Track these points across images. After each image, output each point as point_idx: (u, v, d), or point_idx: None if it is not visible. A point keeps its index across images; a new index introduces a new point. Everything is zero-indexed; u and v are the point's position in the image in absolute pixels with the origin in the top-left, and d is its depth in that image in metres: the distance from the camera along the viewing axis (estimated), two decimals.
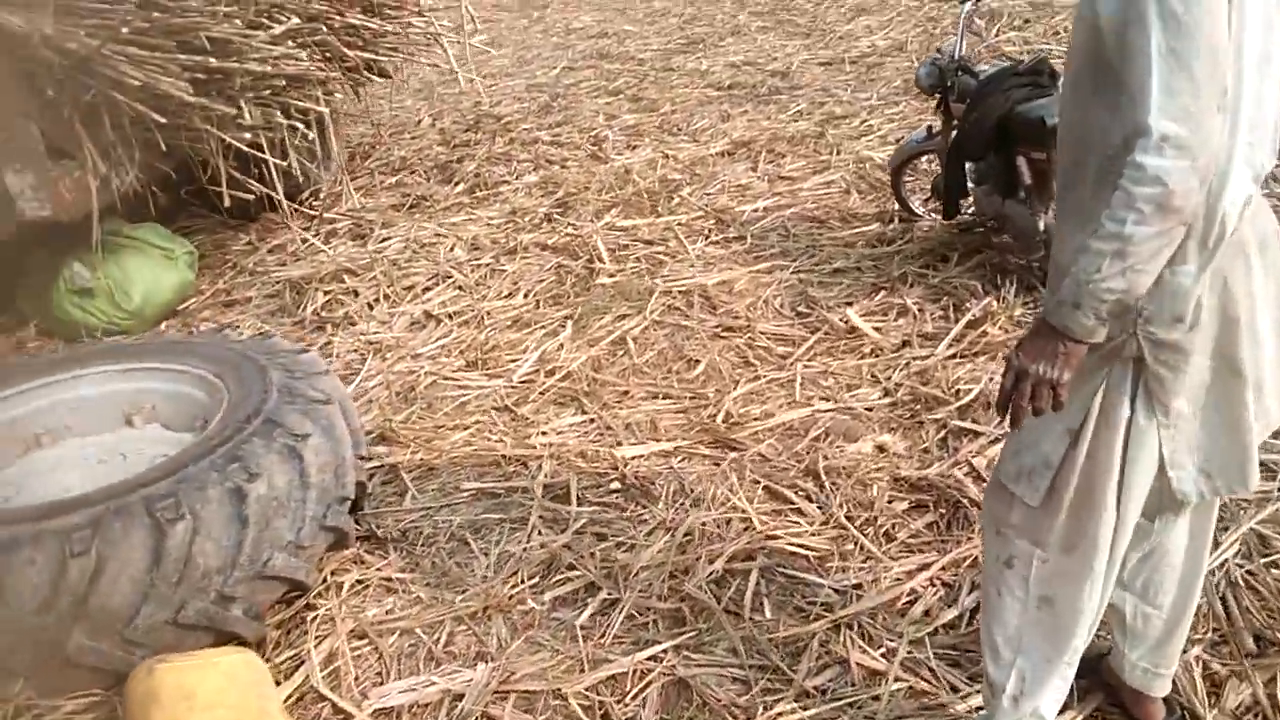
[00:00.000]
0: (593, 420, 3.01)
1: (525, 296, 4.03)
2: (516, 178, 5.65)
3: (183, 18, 3.41)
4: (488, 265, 4.34)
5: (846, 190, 4.77)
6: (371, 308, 4.01)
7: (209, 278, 4.64)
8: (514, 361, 3.42)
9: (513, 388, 3.26)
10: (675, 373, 3.26)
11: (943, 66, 3.75)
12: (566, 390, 3.21)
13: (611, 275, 4.08)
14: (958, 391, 2.99)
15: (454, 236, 4.71)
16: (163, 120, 3.59)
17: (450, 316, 3.89)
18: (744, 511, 2.56)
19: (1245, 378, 1.47)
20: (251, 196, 4.26)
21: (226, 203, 4.16)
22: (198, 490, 2.10)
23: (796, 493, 2.64)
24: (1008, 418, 1.44)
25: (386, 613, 2.36)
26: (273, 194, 4.28)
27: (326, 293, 4.14)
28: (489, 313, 3.88)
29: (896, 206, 4.33)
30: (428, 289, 4.15)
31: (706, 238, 4.44)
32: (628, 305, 3.75)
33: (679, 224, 4.61)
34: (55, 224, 3.69)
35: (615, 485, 2.72)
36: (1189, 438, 1.50)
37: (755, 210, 4.71)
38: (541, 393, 3.21)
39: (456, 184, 5.69)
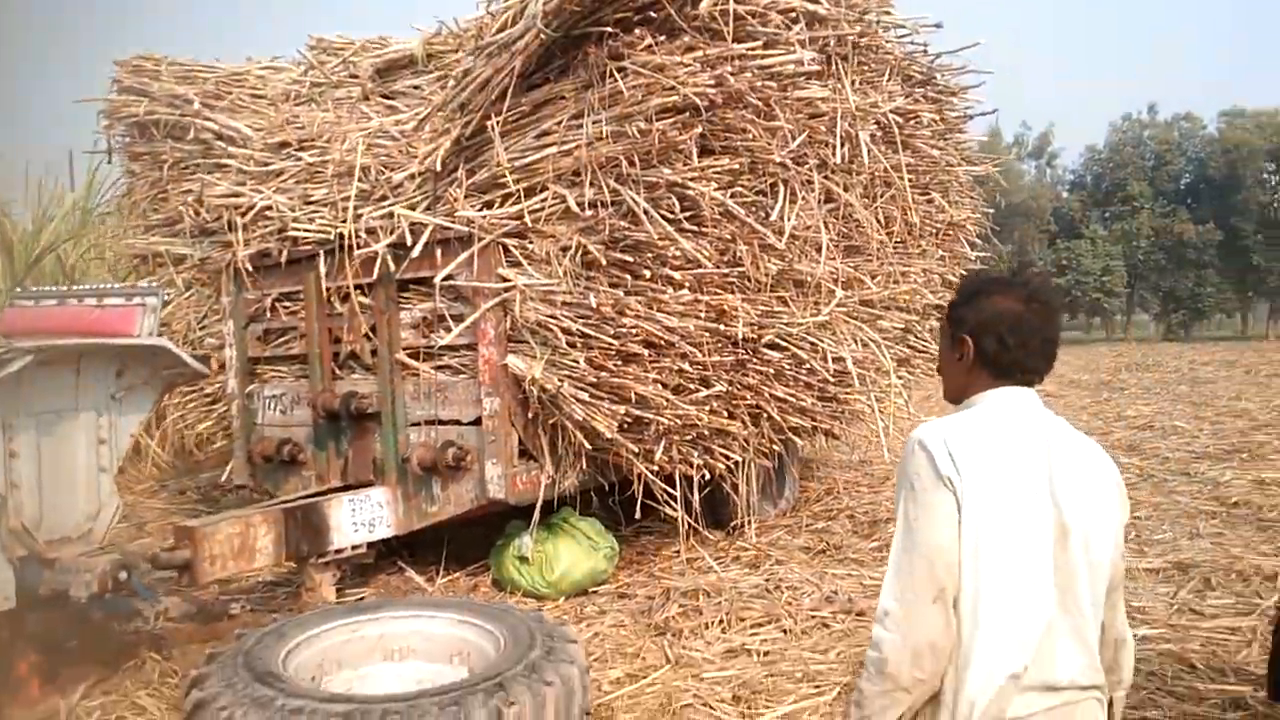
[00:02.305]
0: None
1: (835, 656, 4.28)
2: None
3: (619, 377, 4.64)
4: (823, 618, 4.68)
5: (1249, 642, 4.18)
6: (707, 628, 4.61)
7: (628, 570, 5.67)
8: (768, 707, 3.72)
9: None
10: None
11: None
12: None
13: None
14: None
15: (820, 587, 5.13)
16: (590, 447, 4.83)
17: (760, 654, 4.30)
18: None
19: None
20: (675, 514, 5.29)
21: (637, 515, 5.21)
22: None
23: None
24: None
25: None
26: (681, 516, 5.25)
27: (681, 606, 4.85)
28: (793, 659, 4.22)
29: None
30: (758, 624, 4.63)
31: None
32: None
33: None
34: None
35: None
36: None
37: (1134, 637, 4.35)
38: None
39: (872, 541, 6.11)
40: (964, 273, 7.34)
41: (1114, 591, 1.78)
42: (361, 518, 5.12)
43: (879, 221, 6.17)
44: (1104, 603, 1.73)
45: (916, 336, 7.02)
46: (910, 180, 6.33)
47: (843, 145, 5.48)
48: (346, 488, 5.35)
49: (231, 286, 5.93)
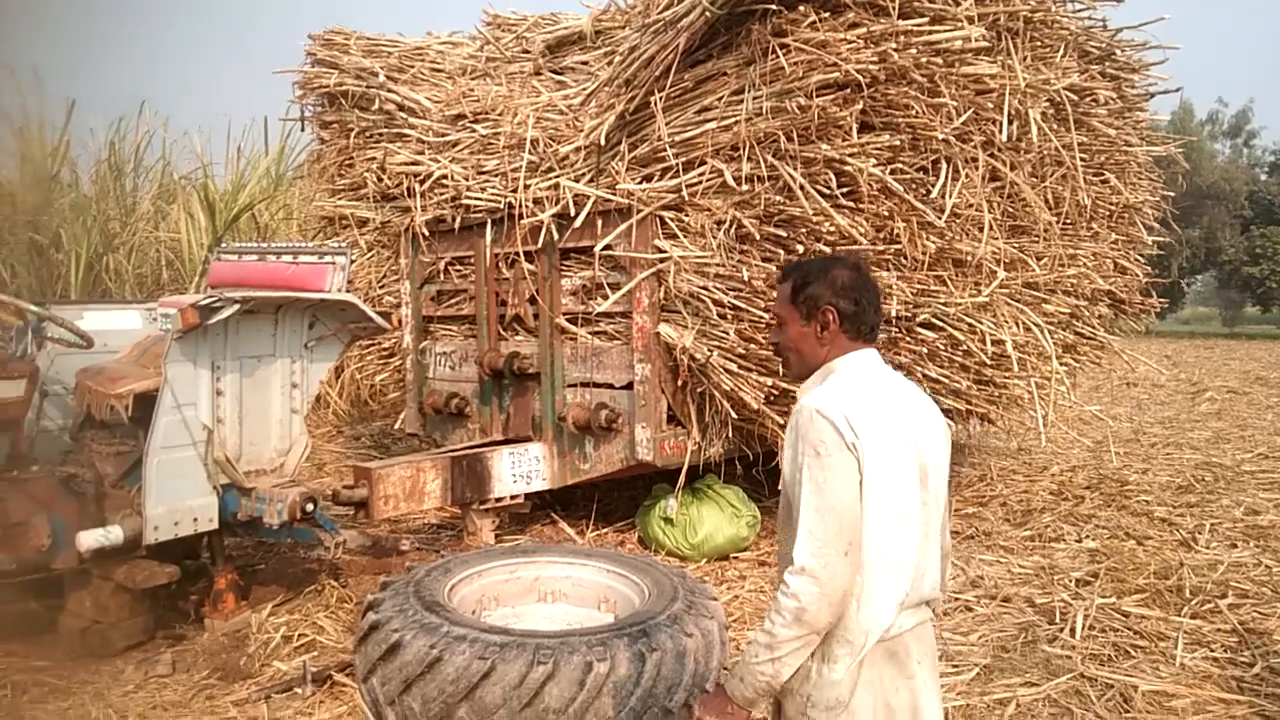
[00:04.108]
0: None
1: (977, 639, 4.27)
2: (1078, 540, 5.73)
3: (768, 349, 4.73)
4: (967, 601, 4.67)
5: None
6: None
7: (769, 539, 5.77)
8: None
9: None
10: None
11: None
12: None
13: (1068, 649, 4.09)
14: None
15: (965, 571, 5.10)
16: (736, 417, 4.95)
17: None
18: None
19: None
20: None
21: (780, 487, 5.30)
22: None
23: None
24: None
25: None
26: None
27: None
28: (939, 638, 4.23)
29: None
30: None
31: (1209, 650, 4.10)
32: (1041, 674, 3.78)
33: (1191, 628, 4.31)
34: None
35: None
36: None
37: None
38: None
39: (1024, 529, 5.99)
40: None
41: (943, 514, 2.06)
42: (520, 470, 5.43)
43: (1047, 202, 5.98)
44: None
45: (1084, 322, 6.77)
46: (1083, 160, 6.09)
47: (1011, 123, 5.33)
48: (507, 441, 5.68)
49: (409, 249, 6.35)
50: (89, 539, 3.89)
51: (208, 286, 5.06)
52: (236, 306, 3.97)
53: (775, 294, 2.12)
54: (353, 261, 6.71)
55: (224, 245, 5.33)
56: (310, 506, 4.19)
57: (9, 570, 3.84)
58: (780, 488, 1.99)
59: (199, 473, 4.08)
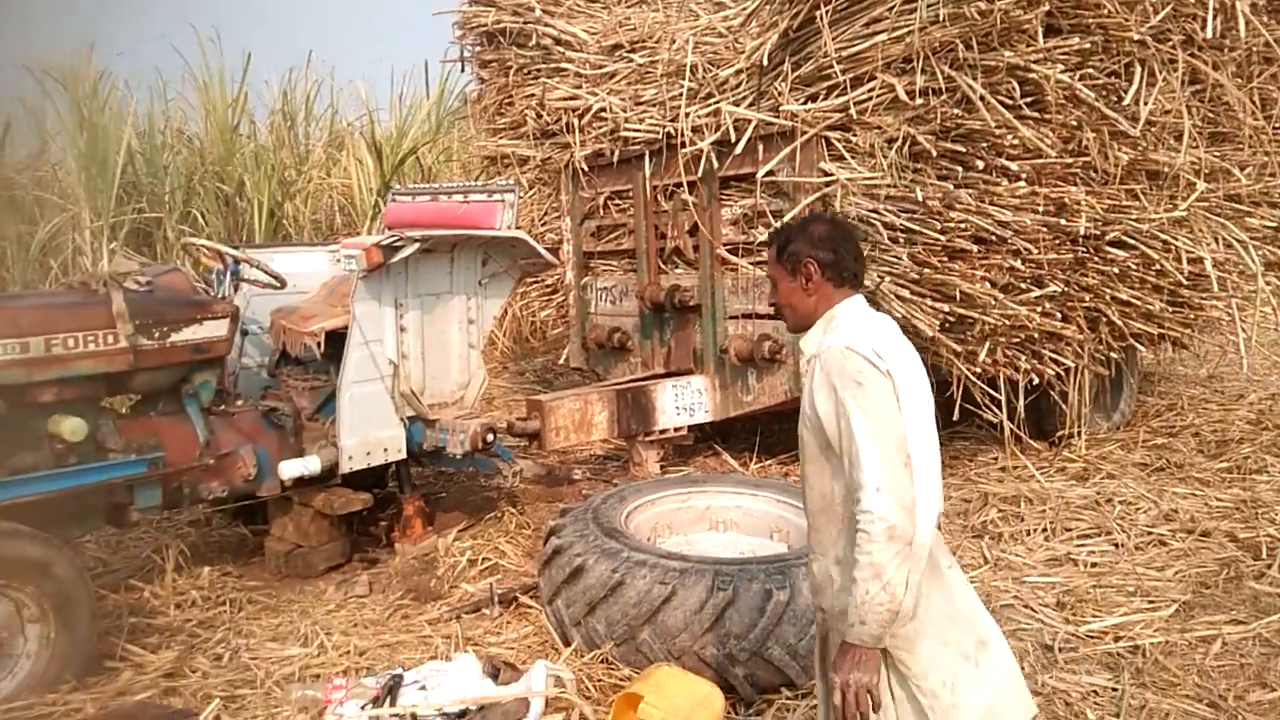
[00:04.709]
0: None
1: (1173, 574, 4.04)
2: None
3: (943, 274, 4.54)
4: (1160, 535, 4.41)
5: None
6: (1028, 534, 4.50)
7: (945, 472, 5.61)
8: (1095, 616, 3.62)
9: (1072, 637, 3.49)
10: (1238, 695, 3.08)
11: None
12: (1113, 659, 3.32)
13: (1278, 586, 3.81)
14: None
15: (1158, 504, 4.81)
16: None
17: (1087, 565, 4.16)
18: None
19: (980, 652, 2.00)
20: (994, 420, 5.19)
21: (954, 418, 5.12)
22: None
23: None
24: None
25: None
26: (1004, 421, 5.13)
27: (1001, 511, 4.75)
28: (1124, 573, 4.04)
29: None
30: (1086, 536, 4.44)
31: None
32: (1249, 612, 3.54)
33: None
34: None
35: None
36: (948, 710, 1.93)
37: None
38: (1081, 656, 3.38)
39: (1220, 461, 5.60)
40: None
41: None
42: (683, 402, 5.46)
43: (1254, 104, 5.43)
44: None
45: None
46: None
47: (1215, 17, 4.84)
48: (669, 374, 5.71)
49: (569, 185, 6.39)
50: (290, 468, 4.15)
51: (385, 228, 5.25)
52: (416, 245, 4.10)
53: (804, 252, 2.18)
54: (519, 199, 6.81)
55: (398, 188, 5.50)
56: (490, 437, 4.34)
57: (220, 497, 4.15)
58: (802, 433, 2.07)
59: (387, 405, 4.27)
